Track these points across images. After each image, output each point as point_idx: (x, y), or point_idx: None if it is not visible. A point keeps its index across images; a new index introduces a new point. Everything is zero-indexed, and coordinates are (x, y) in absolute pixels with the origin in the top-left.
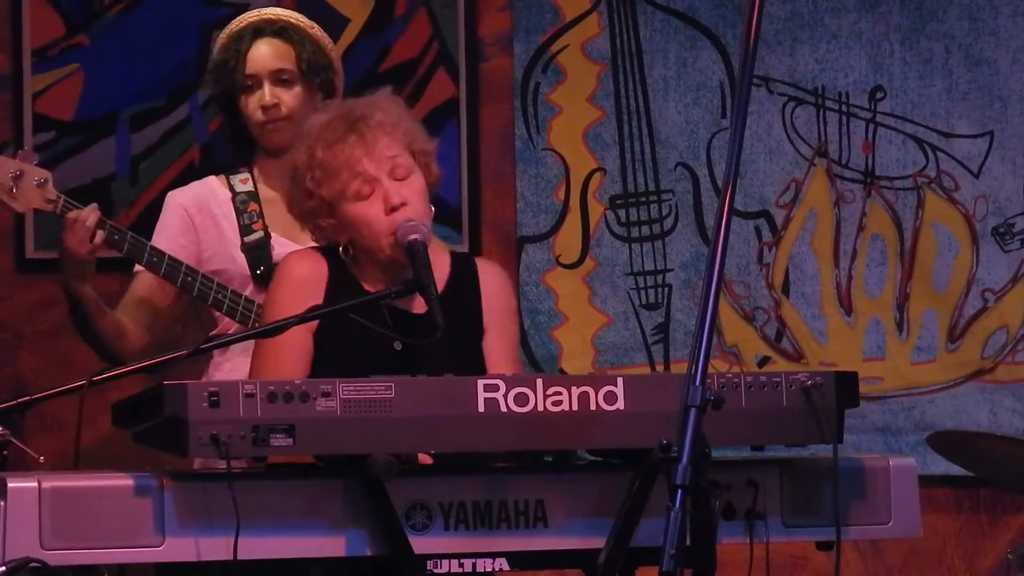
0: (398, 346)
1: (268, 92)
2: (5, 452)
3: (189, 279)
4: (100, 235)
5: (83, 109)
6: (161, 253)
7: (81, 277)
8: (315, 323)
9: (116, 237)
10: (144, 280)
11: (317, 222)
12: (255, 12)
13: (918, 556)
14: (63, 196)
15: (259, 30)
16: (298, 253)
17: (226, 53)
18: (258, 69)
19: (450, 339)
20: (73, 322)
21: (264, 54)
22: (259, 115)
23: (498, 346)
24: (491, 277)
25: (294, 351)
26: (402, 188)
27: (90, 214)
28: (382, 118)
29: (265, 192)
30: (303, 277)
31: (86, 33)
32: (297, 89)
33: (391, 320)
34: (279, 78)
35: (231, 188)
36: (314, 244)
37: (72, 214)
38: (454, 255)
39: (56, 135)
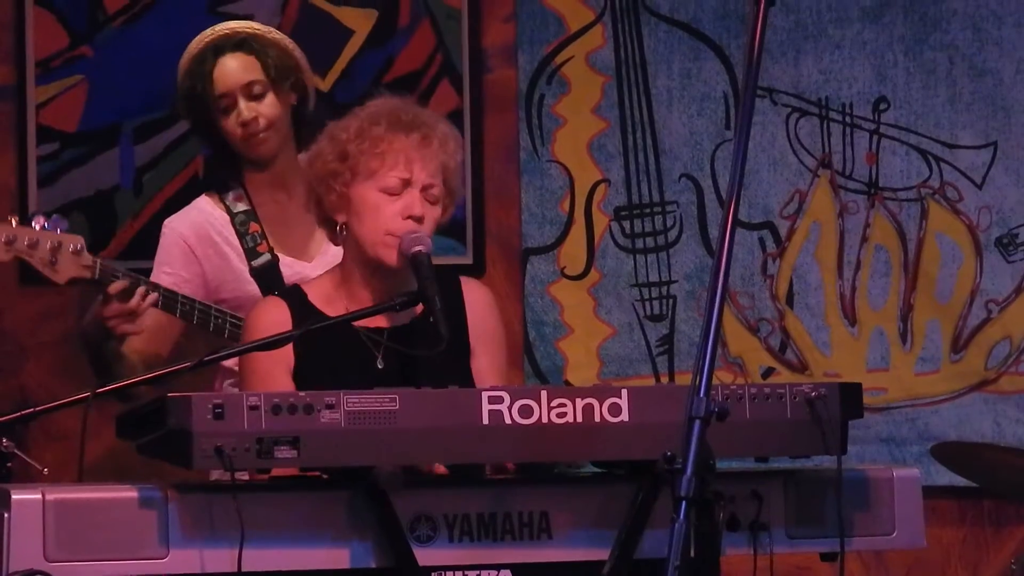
0: (380, 364)
1: (244, 108)
2: (9, 464)
3: (219, 321)
4: (146, 316)
5: (87, 120)
6: (192, 301)
7: (109, 339)
8: (291, 362)
9: (197, 306)
10: (153, 314)
11: (331, 185)
12: (210, 30)
13: (922, 567)
14: (98, 260)
15: (218, 48)
16: (260, 304)
17: (191, 78)
18: (229, 87)
19: (439, 356)
20: (93, 366)
21: (231, 70)
22: (239, 132)
23: (486, 367)
24: (476, 297)
25: (278, 388)
26: (426, 207)
27: (140, 301)
28: (444, 138)
29: (262, 208)
30: (270, 324)
31: (90, 44)
32: (270, 98)
33: (372, 342)
34: (251, 92)
35: (227, 209)
36: (275, 294)
37: (117, 287)
38: (439, 274)
39: (60, 146)
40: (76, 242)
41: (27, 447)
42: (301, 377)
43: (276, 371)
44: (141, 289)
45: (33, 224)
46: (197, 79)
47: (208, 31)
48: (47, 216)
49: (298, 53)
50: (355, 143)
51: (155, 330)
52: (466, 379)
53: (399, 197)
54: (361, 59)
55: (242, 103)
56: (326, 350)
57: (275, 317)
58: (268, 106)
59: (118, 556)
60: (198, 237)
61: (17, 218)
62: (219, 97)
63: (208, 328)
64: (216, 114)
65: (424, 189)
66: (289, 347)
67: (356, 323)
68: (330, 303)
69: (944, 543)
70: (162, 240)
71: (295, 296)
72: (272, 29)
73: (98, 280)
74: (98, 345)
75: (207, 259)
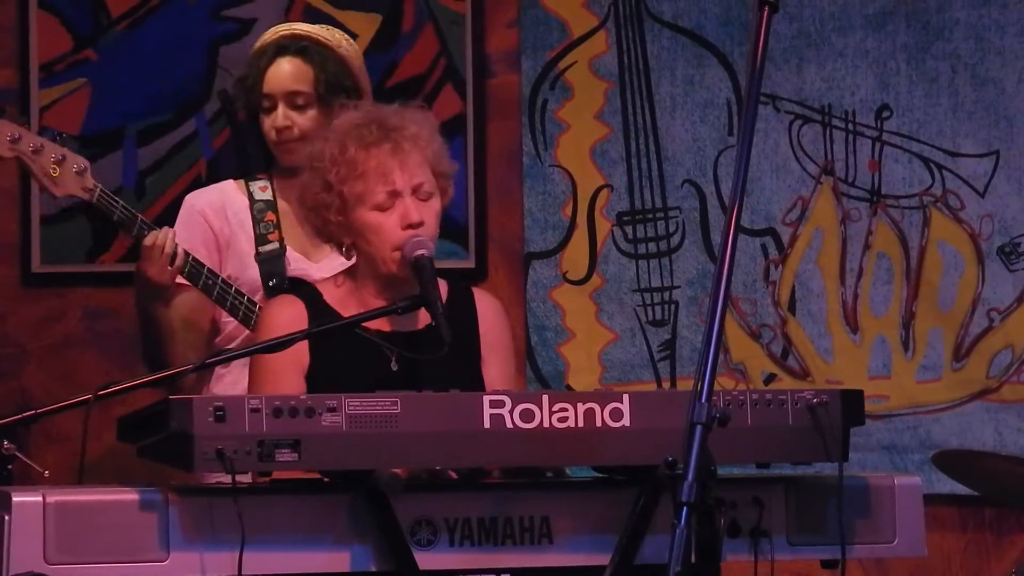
0: (394, 366)
1: (281, 114)
2: (10, 466)
3: (209, 282)
4: (180, 257)
5: (90, 123)
6: (214, 275)
7: (164, 300)
8: (305, 363)
9: (190, 261)
10: (184, 302)
11: (326, 216)
12: (286, 26)
13: (923, 575)
14: (99, 186)
15: (282, 48)
16: (276, 300)
17: (248, 68)
18: (274, 89)
19: (449, 362)
20: (143, 345)
21: (283, 74)
22: (272, 135)
23: (495, 377)
24: (488, 308)
25: (288, 388)
26: (421, 208)
27: (166, 240)
28: (417, 132)
29: (282, 204)
30: (285, 320)
31: (93, 48)
32: (312, 112)
33: (384, 344)
34: (294, 101)
35: (250, 195)
36: (289, 287)
37: (148, 240)
38: (451, 284)
39: None
40: (81, 163)
41: (28, 449)
42: (315, 378)
43: (288, 370)
44: (162, 231)
45: (43, 134)
46: (252, 71)
47: (285, 26)
48: (59, 133)
49: (362, 74)
50: (333, 172)
51: (195, 302)
52: (478, 386)
53: (393, 209)
54: (365, 64)
55: (281, 109)
56: (341, 352)
57: (290, 315)
58: (307, 119)
59: (118, 559)
60: (216, 213)
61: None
62: (264, 95)
63: (196, 284)
64: (260, 113)
65: (414, 191)
66: (304, 346)
67: (370, 327)
68: (344, 305)
69: (945, 551)
70: (183, 214)
71: (311, 295)
72: (346, 42)
73: (95, 205)
74: (153, 313)
75: (222, 236)
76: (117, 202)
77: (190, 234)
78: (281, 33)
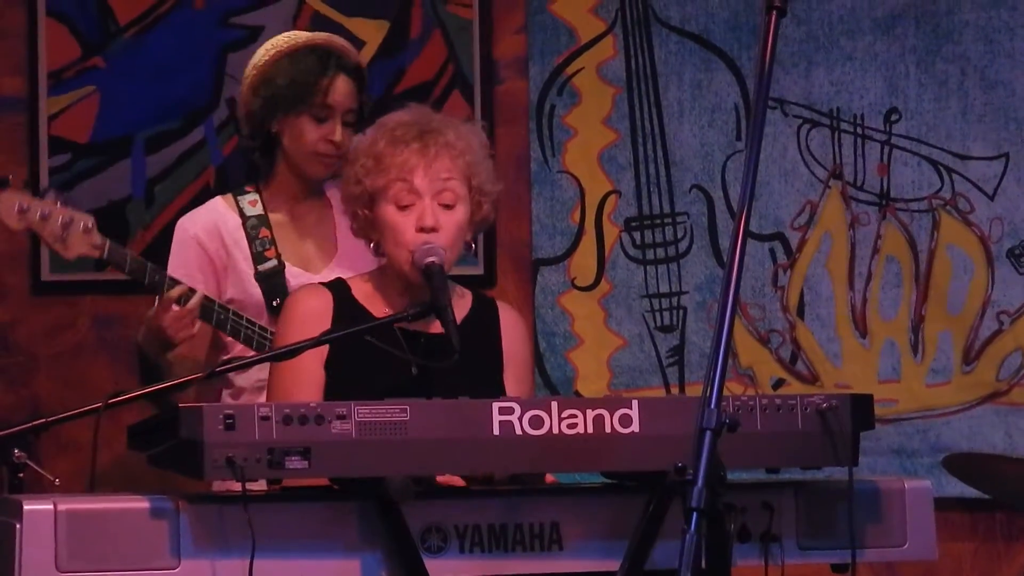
0: (414, 370)
1: (339, 130)
2: (21, 474)
3: (230, 322)
4: (197, 300)
5: (99, 131)
6: (225, 309)
7: (168, 349)
8: (325, 353)
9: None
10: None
11: (355, 210)
12: (324, 36)
13: None
14: (108, 240)
15: (342, 64)
16: (303, 289)
17: (306, 75)
18: (337, 103)
19: (469, 368)
20: (140, 377)
21: (347, 90)
22: (321, 147)
23: (511, 391)
24: (512, 321)
25: (307, 382)
26: (440, 214)
27: (195, 304)
28: (453, 140)
29: (274, 216)
30: (311, 310)
31: (102, 55)
32: (351, 131)
33: (408, 344)
34: (347, 118)
35: (240, 211)
36: (321, 281)
37: (175, 292)
38: (475, 294)
39: (72, 157)
40: (87, 220)
41: (39, 457)
42: (335, 371)
43: (307, 359)
44: (185, 288)
45: (46, 198)
46: (311, 75)
47: (322, 36)
48: (59, 192)
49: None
50: (359, 164)
51: (187, 350)
52: (500, 392)
53: (412, 209)
54: (372, 70)
55: (339, 124)
56: (360, 352)
57: (316, 305)
58: (350, 137)
59: (129, 567)
60: (210, 236)
61: (30, 190)
62: (324, 106)
63: (210, 320)
64: (305, 116)
65: (436, 195)
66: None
67: (397, 325)
68: (372, 302)
69: (956, 555)
70: (176, 240)
71: (339, 288)
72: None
73: (106, 260)
74: (155, 360)
75: (218, 259)
76: (127, 254)
77: (185, 260)
78: (320, 43)
